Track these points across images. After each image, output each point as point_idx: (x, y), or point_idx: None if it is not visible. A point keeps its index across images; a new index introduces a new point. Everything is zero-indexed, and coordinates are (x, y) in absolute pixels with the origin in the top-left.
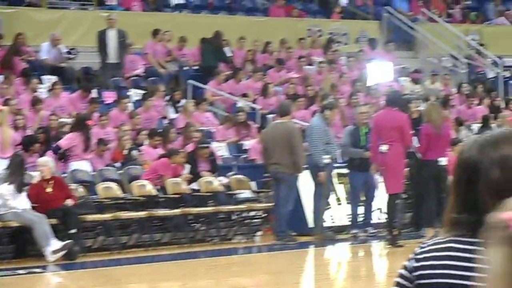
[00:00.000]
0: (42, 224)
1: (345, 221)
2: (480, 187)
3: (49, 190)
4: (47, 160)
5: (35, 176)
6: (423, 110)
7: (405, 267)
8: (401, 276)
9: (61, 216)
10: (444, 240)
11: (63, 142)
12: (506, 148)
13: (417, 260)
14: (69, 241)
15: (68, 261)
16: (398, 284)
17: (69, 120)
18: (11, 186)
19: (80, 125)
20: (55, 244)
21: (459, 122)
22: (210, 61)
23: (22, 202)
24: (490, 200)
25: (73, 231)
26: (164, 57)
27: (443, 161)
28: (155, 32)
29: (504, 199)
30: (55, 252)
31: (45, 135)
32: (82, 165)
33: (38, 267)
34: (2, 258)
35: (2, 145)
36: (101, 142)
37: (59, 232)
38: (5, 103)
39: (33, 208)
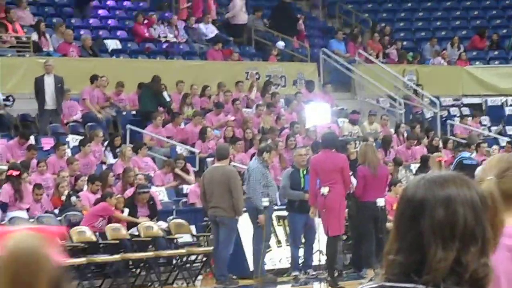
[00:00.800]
0: None
1: (286, 263)
2: (424, 226)
3: None
4: None
5: None
6: (359, 151)
7: None
8: None
9: None
10: (376, 285)
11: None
12: (452, 188)
13: None
14: None
15: None
16: None
17: (5, 167)
18: None
19: (10, 176)
20: None
21: (398, 163)
22: (148, 106)
23: None
24: (433, 241)
25: None
26: (102, 102)
27: (381, 202)
28: (93, 78)
29: (445, 240)
30: None
31: None
32: (20, 214)
33: None
34: None
35: None
36: (37, 187)
37: None
38: None
39: None
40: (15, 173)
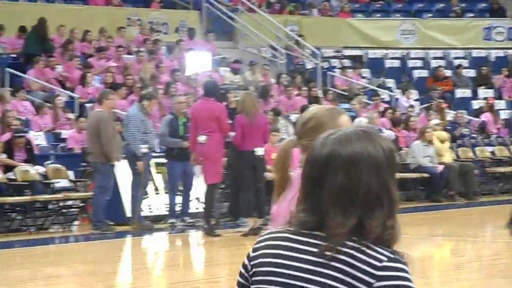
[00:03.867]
0: None
1: (163, 210)
2: (325, 190)
3: None
4: None
5: None
6: (238, 100)
7: (247, 255)
8: (243, 264)
9: None
10: (281, 230)
11: None
12: (356, 148)
13: (254, 250)
14: None
15: None
16: (240, 273)
17: None
18: None
19: None
20: None
21: (277, 112)
22: (33, 49)
23: None
24: (332, 206)
25: None
26: None
27: (259, 151)
28: None
29: (345, 206)
30: None
31: None
32: None
33: None
34: None
35: None
36: None
37: None
38: None
39: None
40: None
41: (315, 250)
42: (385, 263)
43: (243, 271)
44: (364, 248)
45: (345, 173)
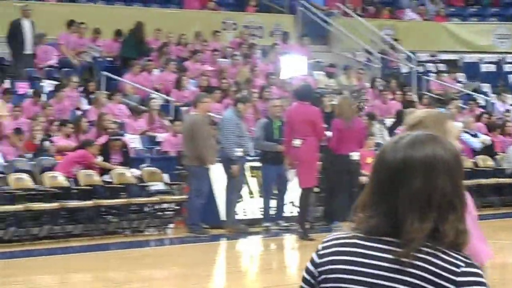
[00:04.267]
0: None
1: (257, 214)
2: (401, 195)
3: None
4: None
5: None
6: (335, 104)
7: (311, 261)
8: (306, 270)
9: None
10: (347, 236)
11: None
12: (429, 151)
13: (320, 256)
14: None
15: None
16: (304, 279)
17: None
18: None
19: None
20: None
21: (372, 117)
22: (129, 53)
23: None
24: (409, 211)
25: None
26: (78, 48)
27: (355, 155)
28: (70, 23)
29: (422, 210)
30: None
31: None
32: None
33: None
34: None
35: None
36: (16, 131)
37: None
38: None
39: None
40: None
41: (389, 256)
42: (463, 269)
43: (308, 277)
44: (440, 253)
45: (422, 177)
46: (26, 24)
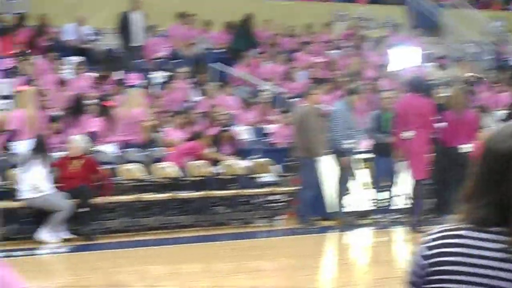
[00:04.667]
0: (65, 212)
1: (368, 206)
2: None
3: (73, 168)
4: (77, 139)
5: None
6: (447, 96)
7: (421, 253)
8: (416, 262)
9: (77, 196)
10: (453, 227)
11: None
12: None
13: (429, 248)
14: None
15: (87, 242)
16: (412, 271)
17: (92, 101)
18: (38, 167)
19: (104, 108)
20: (58, 234)
21: (483, 109)
22: (239, 44)
23: (49, 184)
24: None
25: (83, 210)
26: (189, 39)
27: (466, 148)
28: (180, 15)
29: None
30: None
31: (72, 115)
32: (105, 147)
33: (57, 247)
34: (21, 237)
35: (27, 125)
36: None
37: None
38: (30, 83)
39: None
40: (108, 104)
41: (499, 246)
42: None
43: (418, 269)
44: None
45: None
46: (136, 16)
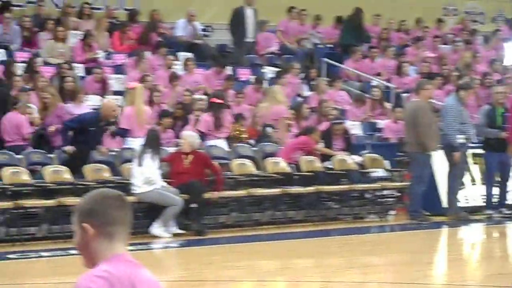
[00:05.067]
0: (177, 207)
1: (480, 201)
2: None
3: (185, 164)
4: (189, 135)
5: (170, 151)
6: None
7: None
8: None
9: (188, 191)
10: None
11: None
12: None
13: None
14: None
15: (199, 236)
16: None
17: (204, 97)
18: (150, 162)
19: (213, 104)
20: (168, 229)
21: None
22: (349, 39)
23: (160, 179)
24: None
25: (194, 205)
26: (299, 34)
27: None
28: (290, 10)
29: None
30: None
31: (183, 111)
32: (217, 142)
33: (169, 241)
34: (136, 232)
35: (138, 122)
36: (238, 117)
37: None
38: (142, 79)
39: (168, 182)
40: (218, 101)
41: None
42: None
43: None
44: None
45: None
46: (249, 12)
